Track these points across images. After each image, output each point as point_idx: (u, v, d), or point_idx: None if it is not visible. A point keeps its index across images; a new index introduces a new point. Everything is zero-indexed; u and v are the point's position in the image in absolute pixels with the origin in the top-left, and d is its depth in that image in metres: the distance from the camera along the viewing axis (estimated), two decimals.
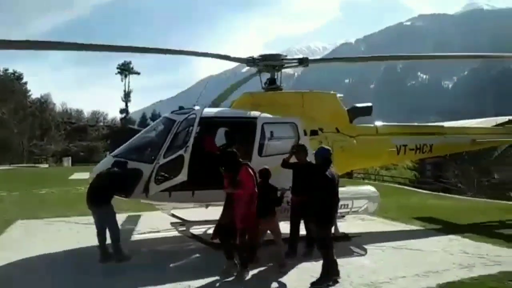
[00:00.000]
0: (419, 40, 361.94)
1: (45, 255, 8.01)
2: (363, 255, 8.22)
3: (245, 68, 10.54)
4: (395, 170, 36.63)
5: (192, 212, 9.62)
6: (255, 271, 7.07)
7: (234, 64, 10.18)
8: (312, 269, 6.98)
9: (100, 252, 7.60)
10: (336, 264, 6.68)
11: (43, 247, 8.53)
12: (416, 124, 14.10)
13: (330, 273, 6.48)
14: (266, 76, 10.33)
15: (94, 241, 7.72)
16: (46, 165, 48.77)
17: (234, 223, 6.91)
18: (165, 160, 7.90)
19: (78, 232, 10.00)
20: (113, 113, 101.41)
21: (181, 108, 8.87)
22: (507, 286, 6.48)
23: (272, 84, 10.08)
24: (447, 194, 19.88)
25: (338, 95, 10.54)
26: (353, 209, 9.11)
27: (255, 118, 8.93)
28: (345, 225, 9.90)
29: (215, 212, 10.01)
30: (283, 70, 10.41)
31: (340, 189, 8.46)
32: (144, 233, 10.06)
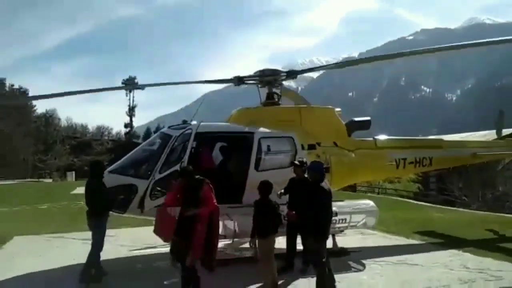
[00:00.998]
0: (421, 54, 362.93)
1: (39, 273, 7.92)
2: (361, 270, 8.10)
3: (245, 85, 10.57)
4: (399, 183, 36.37)
5: None
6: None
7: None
8: (308, 285, 6.88)
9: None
10: (333, 280, 6.59)
11: (38, 264, 8.44)
12: (415, 137, 14.03)
13: None
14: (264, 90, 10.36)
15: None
16: (50, 180, 48.90)
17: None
18: (161, 176, 7.93)
19: (75, 249, 9.92)
20: (118, 127, 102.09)
21: (184, 122, 8.95)
22: None
23: (269, 99, 10.10)
24: (450, 207, 19.67)
25: (336, 109, 10.57)
26: (351, 224, 9.01)
27: (252, 132, 8.94)
28: (344, 240, 9.79)
29: None
30: (287, 85, 10.47)
31: (338, 203, 8.48)
32: (141, 248, 9.98)
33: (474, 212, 17.63)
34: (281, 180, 8.23)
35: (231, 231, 8.43)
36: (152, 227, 7.08)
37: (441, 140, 12.19)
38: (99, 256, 7.53)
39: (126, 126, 79.59)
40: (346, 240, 10.00)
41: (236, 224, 8.26)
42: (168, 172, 7.99)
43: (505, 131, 14.79)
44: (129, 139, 73.72)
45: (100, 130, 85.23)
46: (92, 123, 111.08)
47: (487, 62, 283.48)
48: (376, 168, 10.87)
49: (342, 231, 9.38)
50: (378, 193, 32.11)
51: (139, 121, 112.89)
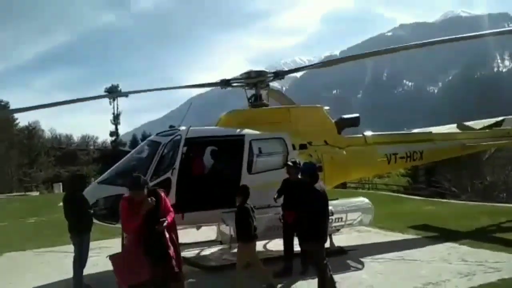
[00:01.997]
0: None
1: None
2: (360, 269, 8.02)
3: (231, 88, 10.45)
4: (389, 177, 36.64)
5: (183, 234, 9.34)
6: None
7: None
8: (308, 287, 6.77)
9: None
10: (333, 281, 6.48)
11: (31, 281, 8.19)
12: (404, 132, 14.03)
13: None
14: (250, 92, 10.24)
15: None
16: (37, 193, 47.93)
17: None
18: (151, 184, 7.70)
19: (66, 264, 9.64)
20: (103, 136, 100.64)
21: (171, 127, 8.79)
22: None
23: (256, 101, 9.98)
24: (441, 199, 19.77)
25: (325, 107, 10.51)
26: (347, 222, 8.93)
27: (242, 135, 8.83)
28: (341, 238, 9.74)
29: (207, 233, 9.85)
30: (271, 85, 10.36)
31: (334, 202, 8.41)
32: None
33: (465, 203, 17.74)
34: (275, 181, 8.18)
35: (227, 236, 8.27)
36: None
37: (431, 133, 12.18)
38: (81, 272, 7.32)
39: (111, 134, 78.62)
40: (342, 238, 9.95)
41: (231, 229, 8.09)
42: (159, 180, 7.81)
43: (490, 121, 14.98)
44: (116, 148, 72.88)
45: (85, 140, 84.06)
46: (76, 133, 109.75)
47: (462, 54, 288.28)
48: (367, 164, 10.83)
49: (339, 230, 9.31)
50: (369, 189, 32.26)
51: (124, 129, 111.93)
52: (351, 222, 9.02)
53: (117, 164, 8.74)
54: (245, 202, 6.79)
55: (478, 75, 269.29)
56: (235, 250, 9.01)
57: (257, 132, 8.99)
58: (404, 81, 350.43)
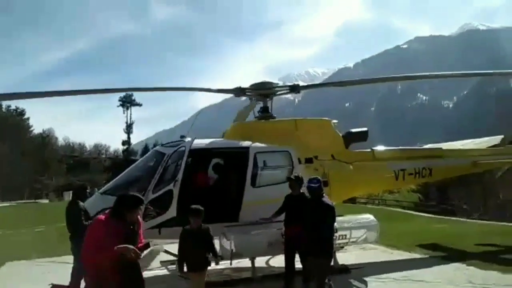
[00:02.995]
0: (416, 62, 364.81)
1: None
2: None
3: (244, 97, 10.36)
4: (399, 193, 36.10)
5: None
6: None
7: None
8: None
9: None
10: None
11: None
12: (414, 147, 13.80)
13: None
14: (259, 105, 10.18)
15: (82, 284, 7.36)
16: (47, 201, 48.40)
17: None
18: (154, 196, 7.69)
19: (67, 274, 9.60)
20: (116, 145, 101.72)
21: (182, 137, 8.69)
22: None
23: (264, 113, 9.91)
24: (451, 217, 19.36)
25: (333, 121, 10.36)
26: (351, 240, 8.72)
27: (247, 147, 8.72)
28: (345, 256, 9.54)
29: None
30: (284, 97, 10.27)
31: (338, 219, 8.19)
32: None
33: (476, 222, 17.37)
34: (278, 195, 8.01)
35: (228, 252, 8.13)
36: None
37: (441, 149, 11.93)
38: (79, 284, 7.26)
39: (123, 143, 79.44)
40: (347, 256, 9.74)
41: (233, 244, 7.96)
42: (161, 192, 7.76)
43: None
44: (127, 157, 73.43)
45: (98, 148, 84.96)
46: (89, 142, 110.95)
47: (478, 68, 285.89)
48: (375, 180, 10.65)
49: (342, 247, 9.12)
50: (378, 204, 31.82)
51: (137, 138, 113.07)
52: (355, 239, 8.81)
53: (121, 174, 8.73)
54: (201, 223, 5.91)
55: (494, 90, 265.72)
56: (237, 265, 8.94)
57: (263, 145, 8.88)
58: (419, 94, 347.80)
